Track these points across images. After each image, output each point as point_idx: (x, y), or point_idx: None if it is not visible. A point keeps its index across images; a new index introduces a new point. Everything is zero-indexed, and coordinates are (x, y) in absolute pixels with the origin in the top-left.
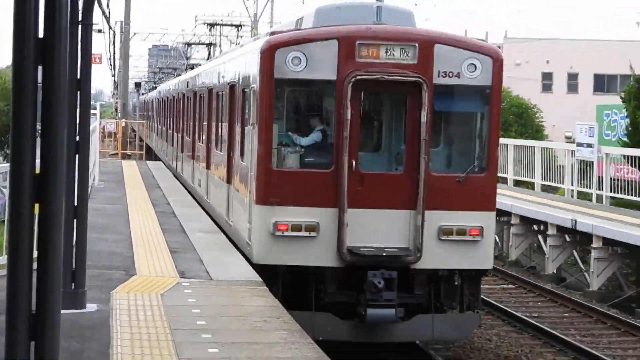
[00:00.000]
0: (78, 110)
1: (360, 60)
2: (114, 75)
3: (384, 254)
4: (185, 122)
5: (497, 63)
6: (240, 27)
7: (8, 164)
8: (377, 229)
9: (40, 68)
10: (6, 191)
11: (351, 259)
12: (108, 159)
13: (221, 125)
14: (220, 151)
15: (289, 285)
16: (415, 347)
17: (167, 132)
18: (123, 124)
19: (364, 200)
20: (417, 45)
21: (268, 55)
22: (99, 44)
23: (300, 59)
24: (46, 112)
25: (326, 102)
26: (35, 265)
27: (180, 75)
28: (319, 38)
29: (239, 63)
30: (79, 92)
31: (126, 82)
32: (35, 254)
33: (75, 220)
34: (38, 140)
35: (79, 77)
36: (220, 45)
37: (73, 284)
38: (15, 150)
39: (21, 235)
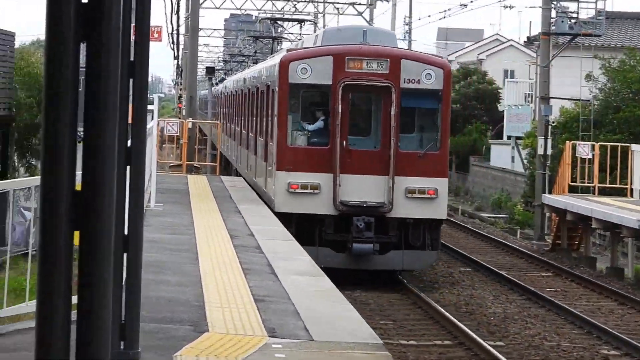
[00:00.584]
0: (131, 105)
1: (349, 70)
2: (176, 57)
3: (365, 205)
4: (253, 120)
5: (447, 73)
6: (303, 23)
7: (33, 178)
8: (361, 189)
9: (82, 46)
10: (29, 214)
11: (342, 209)
12: (168, 172)
13: (262, 117)
14: (262, 138)
15: (301, 228)
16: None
17: (243, 135)
18: (189, 125)
19: (351, 168)
20: (388, 60)
21: (284, 66)
22: (158, 13)
23: (307, 69)
24: (91, 109)
25: (325, 100)
26: (73, 316)
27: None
28: (320, 54)
29: (269, 70)
30: (131, 81)
31: (194, 66)
32: (73, 299)
33: (125, 255)
34: (78, 147)
35: (132, 58)
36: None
37: (122, 343)
38: (48, 159)
39: (55, 273)
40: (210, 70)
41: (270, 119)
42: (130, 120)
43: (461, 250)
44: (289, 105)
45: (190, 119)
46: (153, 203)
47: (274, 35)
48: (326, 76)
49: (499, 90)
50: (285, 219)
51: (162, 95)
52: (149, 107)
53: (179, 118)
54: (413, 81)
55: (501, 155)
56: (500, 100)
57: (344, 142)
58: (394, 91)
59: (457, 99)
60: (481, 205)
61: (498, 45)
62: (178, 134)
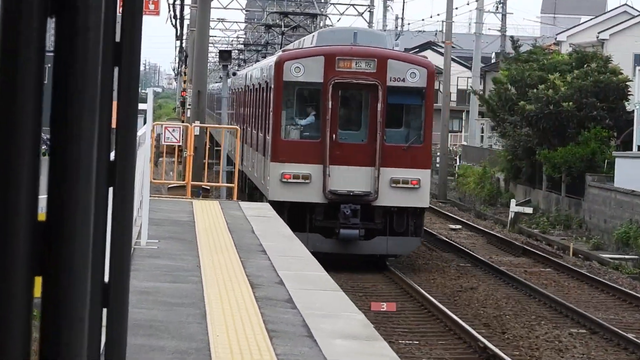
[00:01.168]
0: (115, 103)
1: (339, 69)
2: (179, 37)
3: (352, 194)
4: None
5: (430, 72)
6: (315, 18)
7: None
8: (349, 179)
9: (51, 21)
10: None
11: (331, 197)
12: (167, 196)
13: (261, 114)
14: (261, 133)
15: (293, 215)
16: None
17: (253, 137)
18: (196, 131)
19: (340, 160)
20: (376, 60)
21: (279, 65)
22: None
23: (300, 68)
24: (60, 108)
25: (317, 97)
26: None
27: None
28: (313, 54)
29: (267, 68)
30: (116, 70)
31: (204, 49)
32: None
33: (105, 311)
34: (42, 161)
35: (117, 38)
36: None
37: None
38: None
39: (8, 337)
40: (225, 56)
41: (267, 115)
42: (114, 125)
43: (572, 305)
44: (283, 101)
45: (197, 123)
46: (145, 239)
47: (283, 29)
48: (318, 75)
49: (628, 83)
50: (279, 207)
51: (159, 89)
52: (141, 105)
53: (182, 121)
54: (399, 79)
55: (630, 173)
56: (629, 97)
57: (334, 136)
58: (381, 88)
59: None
60: (601, 243)
61: (626, 21)
62: (180, 144)
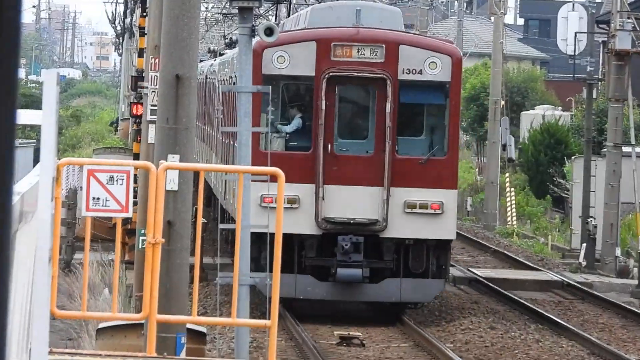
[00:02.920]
0: None
1: (335, 59)
2: None
3: (353, 222)
4: None
5: (456, 61)
6: None
7: None
8: (349, 202)
9: None
10: None
11: (326, 226)
12: (92, 354)
13: (234, 116)
14: (232, 141)
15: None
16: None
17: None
18: (171, 182)
19: (338, 178)
20: (384, 46)
21: (257, 54)
22: None
23: (285, 57)
24: None
25: (307, 95)
26: None
27: None
28: (301, 40)
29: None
30: None
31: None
32: None
33: None
34: None
35: None
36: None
37: None
38: None
39: None
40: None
41: None
42: None
43: None
44: (263, 101)
45: (172, 159)
46: None
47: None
48: (308, 66)
49: None
50: (257, 238)
51: (77, 73)
52: (27, 116)
53: (135, 156)
54: (414, 71)
55: None
56: None
57: (329, 146)
58: (390, 84)
59: None
60: None
61: None
62: (129, 215)
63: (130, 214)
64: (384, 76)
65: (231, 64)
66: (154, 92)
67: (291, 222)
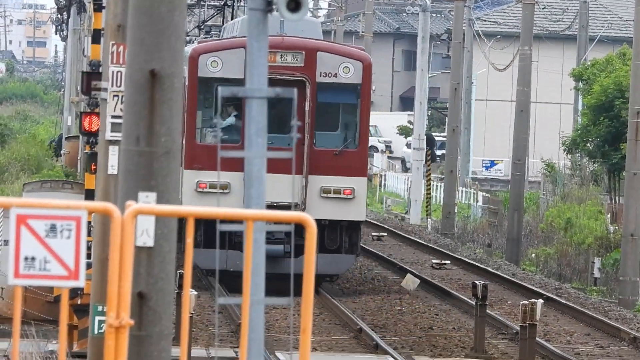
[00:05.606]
0: None
1: None
2: None
3: (276, 205)
4: None
5: (366, 66)
6: None
7: None
8: (273, 188)
9: None
10: None
11: None
12: None
13: None
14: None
15: (210, 230)
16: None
17: None
18: (143, 238)
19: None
20: (304, 52)
21: (193, 59)
22: None
23: (218, 62)
24: None
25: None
26: None
27: None
28: (232, 47)
29: None
30: None
31: None
32: None
33: None
34: None
35: None
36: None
37: None
38: None
39: None
40: None
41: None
42: None
43: None
44: (199, 100)
45: (145, 199)
46: None
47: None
48: (238, 70)
49: None
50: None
51: None
52: None
53: (88, 195)
54: (330, 75)
55: None
56: None
57: None
58: (309, 85)
59: None
60: None
61: None
62: (80, 286)
63: (81, 283)
64: (304, 79)
65: None
66: (117, 96)
67: (223, 204)
